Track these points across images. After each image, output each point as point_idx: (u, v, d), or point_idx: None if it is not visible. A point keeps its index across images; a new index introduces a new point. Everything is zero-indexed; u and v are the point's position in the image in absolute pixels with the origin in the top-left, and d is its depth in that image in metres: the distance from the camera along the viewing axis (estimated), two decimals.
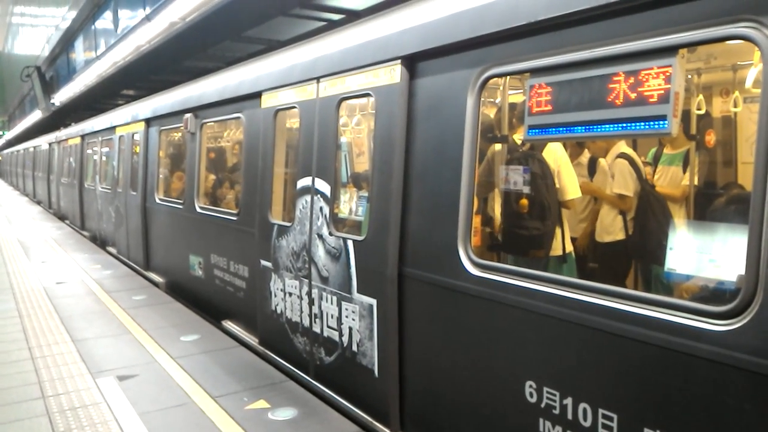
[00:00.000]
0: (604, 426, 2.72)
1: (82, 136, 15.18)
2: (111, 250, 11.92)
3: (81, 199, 15.13)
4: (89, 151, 14.67)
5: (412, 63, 3.93)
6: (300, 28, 9.68)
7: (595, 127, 2.86)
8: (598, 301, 2.72)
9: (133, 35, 10.76)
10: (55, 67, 23.23)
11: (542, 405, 3.01)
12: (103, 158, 13.09)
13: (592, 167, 5.64)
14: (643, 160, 5.12)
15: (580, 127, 2.93)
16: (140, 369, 5.31)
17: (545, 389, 3.00)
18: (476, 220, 4.06)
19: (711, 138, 5.20)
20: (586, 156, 5.72)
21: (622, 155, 4.88)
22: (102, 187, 12.73)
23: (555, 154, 4.57)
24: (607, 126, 2.80)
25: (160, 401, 4.61)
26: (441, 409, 3.75)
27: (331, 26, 8.01)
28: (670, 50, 2.52)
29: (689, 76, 4.89)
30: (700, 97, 5.00)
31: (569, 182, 4.59)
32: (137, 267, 10.11)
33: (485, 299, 3.31)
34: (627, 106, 2.68)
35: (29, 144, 31.89)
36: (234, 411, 4.42)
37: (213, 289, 7.14)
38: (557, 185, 4.52)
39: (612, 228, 5.02)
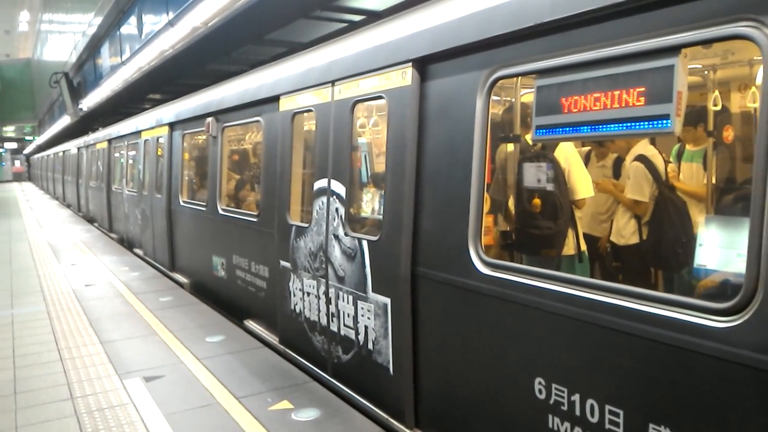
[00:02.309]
0: (611, 422, 2.75)
1: (109, 141, 15.52)
2: (138, 252, 12.18)
3: (109, 202, 15.50)
4: (116, 155, 15.00)
5: (423, 65, 3.97)
6: (321, 29, 9.72)
7: (600, 126, 2.89)
8: (604, 298, 2.76)
9: (157, 40, 10.89)
10: (83, 73, 23.59)
11: (551, 401, 3.06)
12: (130, 162, 13.40)
13: (617, 168, 5.60)
14: (664, 158, 5.04)
15: (586, 127, 2.96)
16: (166, 370, 5.38)
17: (554, 386, 3.05)
18: (488, 220, 4.23)
19: (729, 134, 5.12)
20: (611, 157, 5.66)
21: (640, 157, 4.80)
22: (128, 190, 13.03)
23: (566, 154, 4.60)
24: (613, 126, 2.83)
25: (186, 402, 4.67)
26: (454, 406, 3.81)
27: (352, 27, 8.02)
28: (673, 50, 2.53)
29: (706, 72, 4.86)
30: (716, 93, 4.96)
31: (580, 182, 4.62)
32: (163, 268, 10.33)
33: (496, 298, 3.36)
34: (631, 105, 2.70)
35: (58, 148, 32.57)
36: (258, 412, 4.46)
37: (235, 289, 7.29)
38: (568, 185, 4.56)
39: (625, 231, 4.97)
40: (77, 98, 23.03)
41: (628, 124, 2.73)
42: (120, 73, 14.83)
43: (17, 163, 70.24)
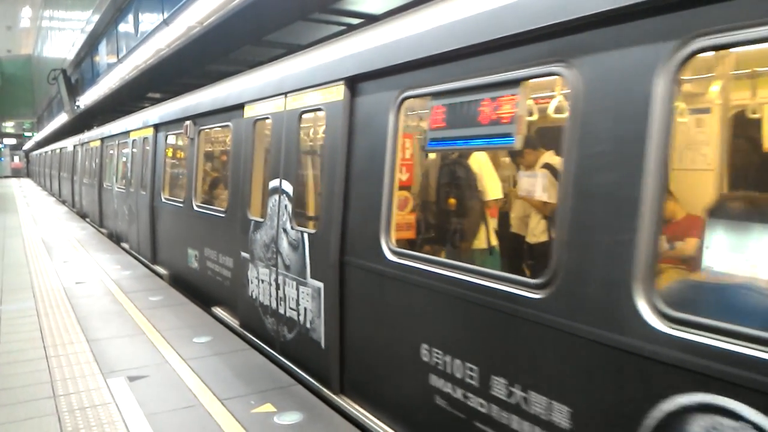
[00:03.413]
0: (469, 377, 3.44)
1: (102, 140, 16.11)
2: (124, 246, 12.74)
3: (100, 198, 16.10)
4: (108, 154, 15.52)
5: (353, 84, 4.62)
6: (320, 32, 9.71)
7: (470, 140, 3.63)
8: (467, 278, 3.44)
9: (152, 39, 10.88)
10: (80, 70, 23.60)
11: (432, 362, 3.74)
12: (120, 160, 13.93)
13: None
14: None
15: (461, 141, 3.70)
16: (151, 370, 5.35)
17: (434, 350, 3.73)
18: (410, 216, 5.08)
19: None
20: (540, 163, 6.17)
21: (546, 165, 5.32)
22: (118, 188, 13.61)
23: (479, 161, 5.29)
24: (477, 140, 3.58)
25: (168, 403, 4.64)
26: (369, 372, 4.51)
27: (350, 30, 8.02)
28: (516, 82, 3.19)
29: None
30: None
31: (490, 185, 5.30)
32: (145, 261, 10.89)
33: (398, 280, 4.04)
34: (489, 125, 3.39)
35: (55, 146, 32.80)
36: (240, 414, 4.43)
37: (206, 279, 7.93)
38: (479, 188, 5.24)
39: (536, 230, 5.57)
40: (75, 95, 23.05)
41: (488, 140, 3.47)
42: (117, 71, 14.83)
43: (16, 159, 70.19)
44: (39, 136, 51.64)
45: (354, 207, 4.56)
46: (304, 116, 5.42)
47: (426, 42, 3.79)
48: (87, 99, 21.15)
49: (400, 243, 4.51)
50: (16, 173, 66.41)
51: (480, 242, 5.21)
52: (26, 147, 66.50)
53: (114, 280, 9.23)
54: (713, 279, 3.27)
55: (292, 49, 9.61)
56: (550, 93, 3.90)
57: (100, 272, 9.92)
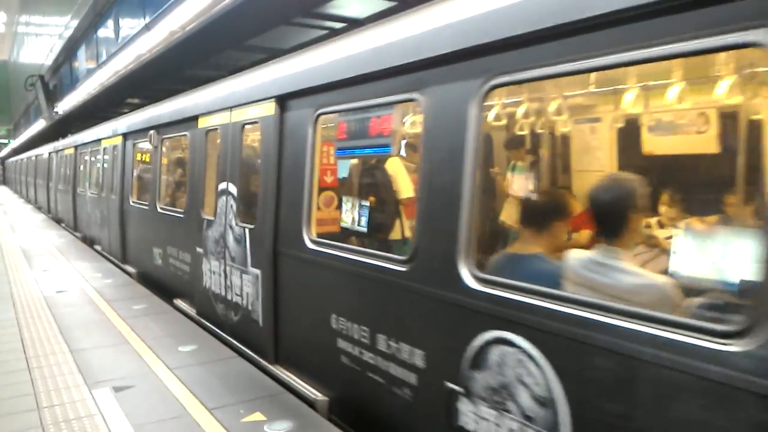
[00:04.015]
0: (362, 337, 4.25)
1: (75, 147, 16.86)
2: (97, 248, 13.46)
3: (74, 203, 16.84)
4: (81, 161, 16.15)
5: (282, 101, 5.45)
6: (302, 36, 9.68)
7: (363, 149, 4.72)
8: (363, 259, 4.29)
9: (133, 44, 10.77)
10: (59, 76, 23.32)
11: (338, 329, 4.55)
12: (92, 167, 14.56)
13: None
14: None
15: (357, 150, 4.83)
16: (137, 380, 5.27)
17: (340, 318, 4.53)
18: (336, 212, 5.97)
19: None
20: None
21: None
22: (90, 193, 14.39)
23: (393, 166, 5.94)
24: (368, 149, 4.66)
25: (156, 413, 4.56)
26: (296, 344, 5.35)
27: (333, 34, 7.99)
28: (391, 105, 4.13)
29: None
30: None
31: (403, 186, 5.95)
32: (116, 261, 11.60)
33: (315, 264, 4.89)
34: (376, 137, 4.32)
35: (31, 153, 32.75)
36: (229, 424, 4.37)
37: (168, 274, 8.73)
38: (394, 187, 5.92)
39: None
40: (53, 101, 22.74)
41: (375, 149, 4.55)
42: (96, 76, 14.67)
43: None
44: (15, 143, 50.90)
45: (284, 205, 5.38)
46: (246, 128, 6.24)
47: (333, 70, 4.68)
48: (66, 105, 20.90)
49: (325, 235, 5.33)
50: None
51: (396, 234, 5.95)
52: (2, 154, 65.55)
53: (95, 289, 9.09)
54: (517, 250, 3.91)
55: (275, 53, 9.57)
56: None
57: (81, 281, 9.77)
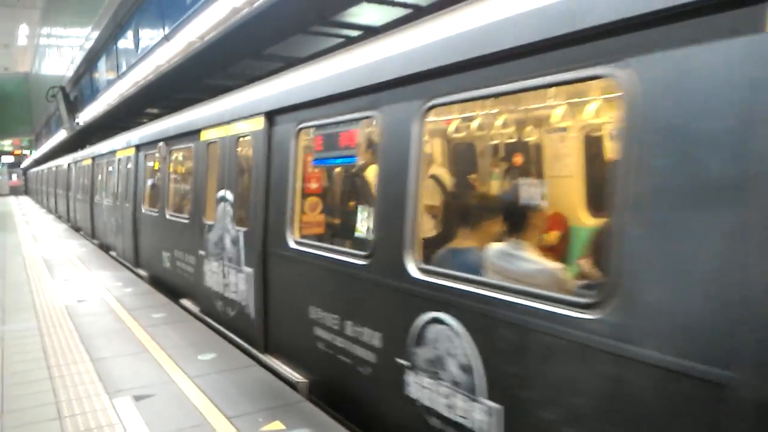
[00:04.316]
0: (334, 324, 4.83)
1: (93, 158, 17.70)
2: (113, 254, 14.18)
3: (92, 212, 17.54)
4: (98, 171, 16.92)
5: (271, 116, 6.05)
6: (319, 44, 9.71)
7: (334, 159, 5.53)
8: (333, 255, 4.91)
9: (152, 55, 10.87)
10: (80, 87, 23.59)
11: (315, 318, 5.16)
12: (108, 177, 15.29)
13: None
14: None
15: (330, 160, 5.57)
16: (157, 389, 5.29)
17: (316, 309, 5.14)
18: (320, 216, 6.51)
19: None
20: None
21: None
22: (106, 202, 15.10)
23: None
24: (338, 159, 5.53)
25: (176, 422, 4.57)
26: (282, 333, 5.94)
27: (349, 43, 8.01)
28: (356, 121, 4.76)
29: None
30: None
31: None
32: (129, 265, 12.32)
33: (296, 260, 5.50)
34: (344, 149, 5.05)
35: (52, 163, 33.39)
36: None
37: (176, 276, 9.33)
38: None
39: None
40: (74, 112, 23.01)
41: (343, 159, 5.39)
42: (116, 87, 14.81)
43: (14, 177, 70.08)
44: (37, 153, 51.57)
45: (271, 210, 5.96)
46: (240, 140, 6.85)
47: (311, 89, 5.29)
48: (86, 116, 21.14)
49: (309, 236, 5.93)
50: (14, 191, 66.27)
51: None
52: (24, 165, 66.43)
53: (116, 298, 9.16)
54: (456, 245, 4.54)
55: (292, 62, 9.62)
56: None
57: (101, 290, 9.86)
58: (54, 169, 31.32)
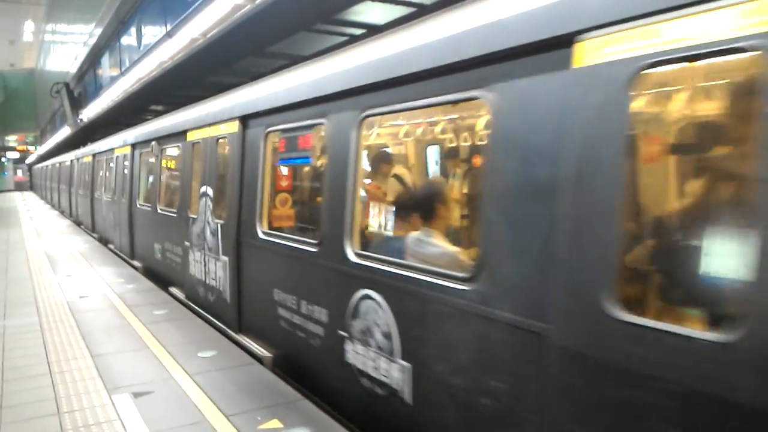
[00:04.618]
0: (293, 303, 5.52)
1: (93, 155, 18.47)
2: (111, 247, 14.96)
3: (92, 207, 18.34)
4: (98, 168, 17.73)
5: (244, 120, 6.72)
6: (323, 42, 9.69)
7: (295, 160, 6.68)
8: (290, 243, 5.58)
9: (155, 52, 10.86)
10: (83, 84, 23.61)
11: (278, 299, 5.83)
12: (107, 174, 16.05)
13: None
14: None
15: (291, 160, 6.68)
16: (156, 386, 5.29)
17: (279, 291, 5.82)
18: (291, 210, 7.08)
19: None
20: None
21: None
22: (106, 197, 15.86)
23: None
24: (298, 160, 6.68)
25: (174, 419, 4.57)
26: (253, 315, 6.62)
27: (353, 41, 7.99)
28: (310, 127, 5.55)
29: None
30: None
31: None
32: (125, 257, 13.06)
33: (263, 248, 6.21)
34: (302, 150, 6.20)
35: (56, 160, 34.03)
36: (247, 430, 4.36)
37: (165, 266, 10.13)
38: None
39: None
40: (77, 108, 23.04)
41: (302, 159, 6.62)
42: (119, 83, 14.82)
43: (19, 172, 70.27)
44: (42, 149, 51.68)
45: (244, 204, 6.63)
46: (219, 141, 7.49)
47: (276, 97, 5.97)
48: (90, 112, 21.16)
49: (275, 228, 6.52)
50: (19, 187, 66.50)
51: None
52: (29, 161, 66.58)
53: (118, 294, 9.18)
54: (391, 234, 5.41)
55: (295, 60, 9.60)
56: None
57: (103, 286, 9.87)
58: (58, 165, 31.78)
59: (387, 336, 4.11)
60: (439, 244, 4.35)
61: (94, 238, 17.15)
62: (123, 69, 14.78)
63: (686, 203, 3.16)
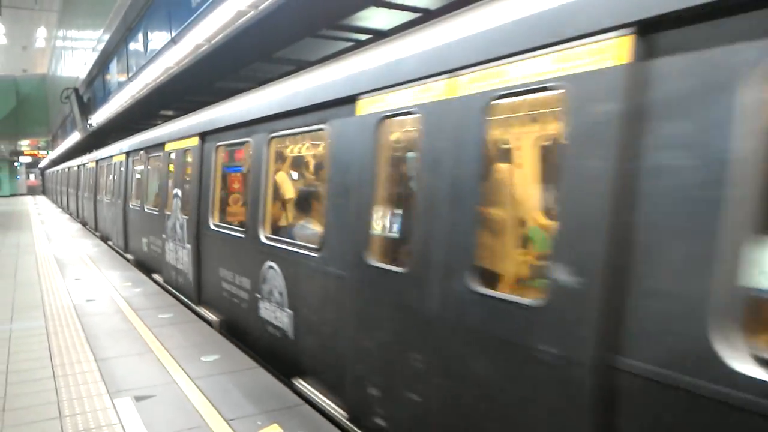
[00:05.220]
0: (231, 277, 7.11)
1: (96, 161, 20.29)
2: (110, 243, 16.68)
3: (95, 208, 20.26)
4: (100, 173, 19.31)
5: (203, 136, 8.46)
6: (329, 48, 9.71)
7: (235, 168, 9.45)
8: (231, 232, 7.16)
9: (161, 57, 10.93)
10: (92, 89, 23.76)
11: (222, 275, 7.43)
12: (107, 178, 17.70)
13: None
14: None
15: (233, 168, 9.27)
16: (158, 390, 5.32)
17: (223, 269, 7.43)
18: (242, 209, 8.21)
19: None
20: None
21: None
22: (106, 199, 17.66)
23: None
24: (232, 168, 9.28)
25: (175, 424, 4.59)
26: (208, 290, 8.28)
27: (359, 46, 8.01)
28: (243, 143, 7.22)
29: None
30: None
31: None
32: (121, 251, 14.82)
33: (213, 237, 7.87)
34: (239, 161, 9.00)
35: (65, 165, 35.37)
36: None
37: (150, 256, 11.83)
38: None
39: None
40: (87, 114, 23.19)
41: (235, 168, 9.36)
42: (127, 89, 14.91)
43: (32, 176, 70.77)
44: (53, 154, 52.03)
45: (202, 202, 8.32)
46: (185, 152, 9.21)
47: (221, 119, 7.62)
48: (99, 117, 21.29)
49: (221, 220, 8.17)
50: (31, 191, 66.99)
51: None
52: (41, 165, 67.07)
53: (124, 298, 9.23)
54: (293, 222, 6.69)
55: (302, 65, 9.62)
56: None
57: (111, 289, 9.93)
58: (67, 170, 33.07)
59: (281, 293, 5.79)
60: (314, 228, 6.01)
61: (96, 236, 19.05)
62: (130, 75, 14.88)
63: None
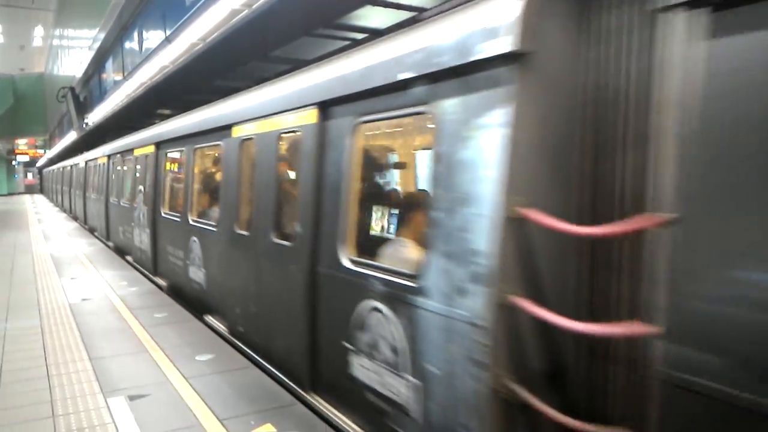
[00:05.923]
0: (172, 251, 9.45)
1: (86, 162, 22.16)
2: (97, 235, 18.38)
3: (84, 204, 22.22)
4: (90, 172, 20.95)
5: (158, 144, 10.41)
6: (326, 47, 9.70)
7: (177, 170, 10.79)
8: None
9: (156, 57, 10.93)
10: (89, 88, 23.74)
11: (169, 251, 9.60)
12: (94, 177, 19.57)
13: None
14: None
15: (175, 170, 10.79)
16: (152, 389, 5.32)
17: (170, 246, 9.50)
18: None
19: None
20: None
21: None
22: (93, 195, 19.60)
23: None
24: (177, 170, 10.76)
25: (168, 423, 4.60)
26: (161, 263, 10.17)
27: (355, 45, 8.00)
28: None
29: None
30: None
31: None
32: (106, 241, 16.51)
33: (164, 221, 9.91)
34: (179, 165, 10.44)
35: (60, 165, 36.33)
36: None
37: (125, 242, 13.69)
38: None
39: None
40: (83, 113, 23.17)
41: (180, 170, 10.53)
42: (123, 88, 14.91)
43: (30, 175, 70.68)
44: (51, 153, 51.96)
45: (156, 196, 10.37)
46: (147, 157, 11.21)
47: (167, 132, 9.56)
48: (95, 116, 21.28)
49: (169, 210, 9.94)
50: (29, 189, 66.90)
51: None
52: (39, 164, 66.98)
53: (120, 297, 9.22)
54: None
55: (299, 64, 9.60)
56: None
57: (106, 288, 9.92)
58: (61, 169, 33.93)
59: (199, 258, 7.89)
60: (217, 210, 7.41)
61: (85, 228, 21.23)
62: (126, 73, 14.88)
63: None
